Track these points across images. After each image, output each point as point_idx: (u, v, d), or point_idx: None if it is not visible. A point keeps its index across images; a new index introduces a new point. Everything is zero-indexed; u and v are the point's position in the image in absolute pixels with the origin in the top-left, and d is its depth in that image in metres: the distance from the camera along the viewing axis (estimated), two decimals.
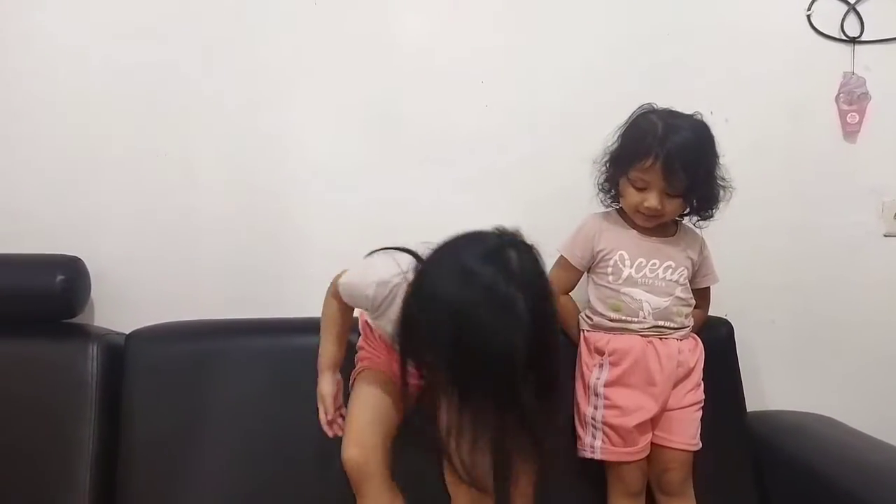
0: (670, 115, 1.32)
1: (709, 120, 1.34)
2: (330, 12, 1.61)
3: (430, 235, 1.56)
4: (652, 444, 1.33)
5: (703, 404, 1.35)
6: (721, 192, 1.35)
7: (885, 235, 1.67)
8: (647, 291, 1.34)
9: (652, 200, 1.30)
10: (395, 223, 1.61)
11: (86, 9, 1.57)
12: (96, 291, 1.55)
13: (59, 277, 1.42)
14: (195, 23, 1.59)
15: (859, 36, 1.65)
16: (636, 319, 1.33)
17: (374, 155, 1.62)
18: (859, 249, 1.67)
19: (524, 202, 1.62)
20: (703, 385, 1.37)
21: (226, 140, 1.61)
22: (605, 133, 1.54)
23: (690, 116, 1.32)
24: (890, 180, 1.67)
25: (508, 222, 1.55)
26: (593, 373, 1.34)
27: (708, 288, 1.46)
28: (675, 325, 1.35)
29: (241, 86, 1.61)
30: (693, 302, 1.39)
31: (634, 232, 1.37)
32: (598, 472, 1.35)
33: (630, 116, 1.37)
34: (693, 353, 1.37)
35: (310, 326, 1.48)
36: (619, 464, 1.32)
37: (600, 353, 1.34)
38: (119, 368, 1.43)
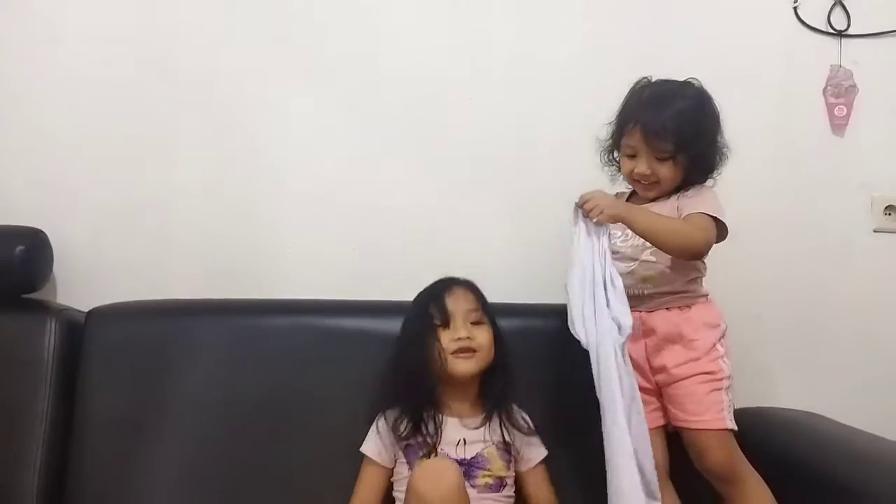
0: (660, 83, 1.32)
1: None
2: (314, 4, 1.60)
3: (413, 219, 1.58)
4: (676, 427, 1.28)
5: (717, 378, 1.25)
6: (718, 155, 1.31)
7: (875, 231, 1.63)
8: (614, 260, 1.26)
9: (641, 166, 1.28)
10: (375, 206, 1.59)
11: None
12: (61, 269, 1.50)
13: (19, 248, 1.37)
14: (177, 6, 1.58)
15: (846, 29, 1.63)
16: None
17: (355, 137, 1.60)
18: (848, 245, 1.63)
19: (509, 196, 1.60)
20: (714, 358, 1.26)
21: (203, 121, 1.58)
22: (590, 124, 1.54)
23: (683, 81, 1.31)
24: (879, 174, 1.63)
25: (493, 217, 1.57)
26: None
27: (696, 215, 1.26)
28: (645, 293, 1.29)
29: (225, 68, 1.58)
30: (668, 261, 1.30)
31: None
32: None
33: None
34: (675, 322, 1.28)
35: (277, 308, 1.46)
36: None
37: None
38: (78, 346, 1.38)
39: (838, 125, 1.63)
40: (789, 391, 1.56)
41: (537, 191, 1.60)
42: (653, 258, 1.30)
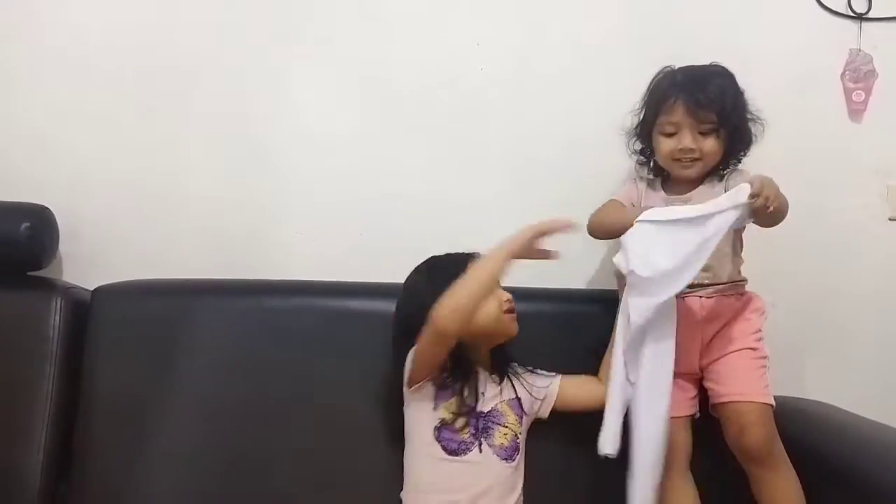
0: (688, 66, 1.33)
1: None
2: None
3: (420, 201, 1.56)
4: (715, 405, 1.27)
5: (760, 355, 1.27)
6: (753, 127, 1.32)
7: (891, 219, 1.61)
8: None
9: (685, 140, 1.27)
10: (384, 187, 1.58)
11: None
12: (67, 246, 1.50)
13: (25, 225, 1.36)
14: None
15: (867, 13, 1.59)
16: None
17: (364, 119, 1.58)
18: (863, 233, 1.60)
19: (518, 168, 1.59)
20: (758, 338, 1.28)
21: (213, 103, 1.57)
22: (602, 100, 1.53)
23: (709, 63, 1.33)
24: (895, 161, 1.60)
25: (503, 188, 1.56)
26: None
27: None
28: (700, 282, 1.27)
29: (233, 47, 1.57)
30: (728, 251, 1.31)
31: (662, 194, 1.35)
32: None
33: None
34: (729, 307, 1.29)
35: (284, 289, 1.45)
36: None
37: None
38: (83, 324, 1.38)
39: (856, 111, 1.60)
40: (801, 380, 1.55)
41: (548, 175, 1.58)
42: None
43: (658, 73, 1.35)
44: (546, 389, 1.30)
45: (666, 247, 1.17)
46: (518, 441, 1.25)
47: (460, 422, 1.21)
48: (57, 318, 1.35)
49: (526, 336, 1.30)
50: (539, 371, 1.32)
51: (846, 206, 1.60)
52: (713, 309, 1.29)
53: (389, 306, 1.35)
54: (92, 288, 1.42)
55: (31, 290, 1.39)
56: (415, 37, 1.58)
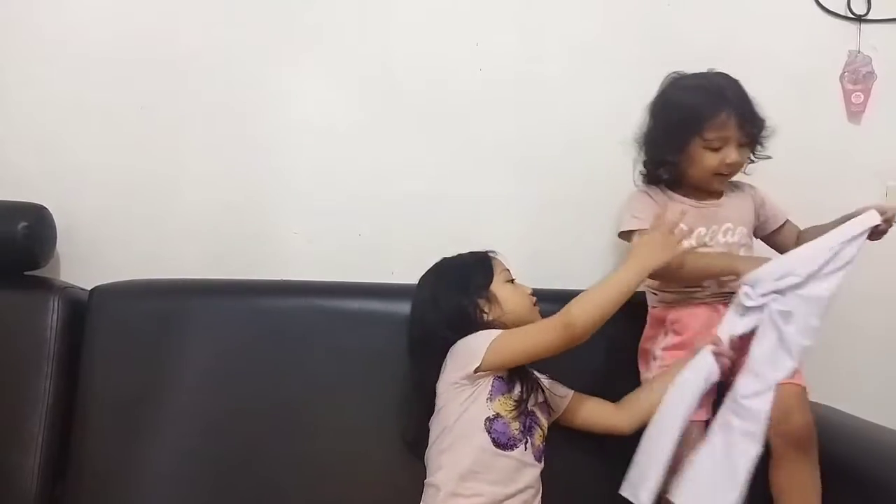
0: (703, 74, 1.32)
1: None
2: None
3: (419, 201, 1.56)
4: None
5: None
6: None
7: None
8: None
9: (733, 155, 1.26)
10: (383, 187, 1.58)
11: None
12: (64, 246, 1.49)
13: (22, 225, 1.36)
14: None
15: (866, 14, 1.60)
16: (698, 288, 1.28)
17: (364, 118, 1.58)
18: None
19: (517, 167, 1.59)
20: None
21: (211, 102, 1.56)
22: (602, 99, 1.53)
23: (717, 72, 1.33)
24: (894, 163, 1.60)
25: (502, 186, 1.57)
26: (656, 342, 1.31)
27: (787, 224, 1.38)
28: (721, 290, 1.27)
29: (232, 43, 1.56)
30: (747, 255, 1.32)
31: (689, 201, 1.32)
32: None
33: (663, 89, 1.34)
34: None
35: (282, 289, 1.45)
36: None
37: (662, 322, 1.30)
38: (81, 324, 1.37)
39: (855, 112, 1.60)
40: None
41: (547, 173, 1.58)
42: (746, 254, 1.31)
43: (670, 82, 1.32)
44: (561, 400, 1.30)
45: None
46: (544, 443, 1.25)
47: (514, 416, 1.20)
48: (54, 317, 1.35)
49: None
50: (555, 380, 1.31)
51: (845, 208, 1.59)
52: None
53: (389, 306, 1.35)
54: (89, 288, 1.41)
55: (28, 289, 1.38)
56: (414, 37, 1.58)
